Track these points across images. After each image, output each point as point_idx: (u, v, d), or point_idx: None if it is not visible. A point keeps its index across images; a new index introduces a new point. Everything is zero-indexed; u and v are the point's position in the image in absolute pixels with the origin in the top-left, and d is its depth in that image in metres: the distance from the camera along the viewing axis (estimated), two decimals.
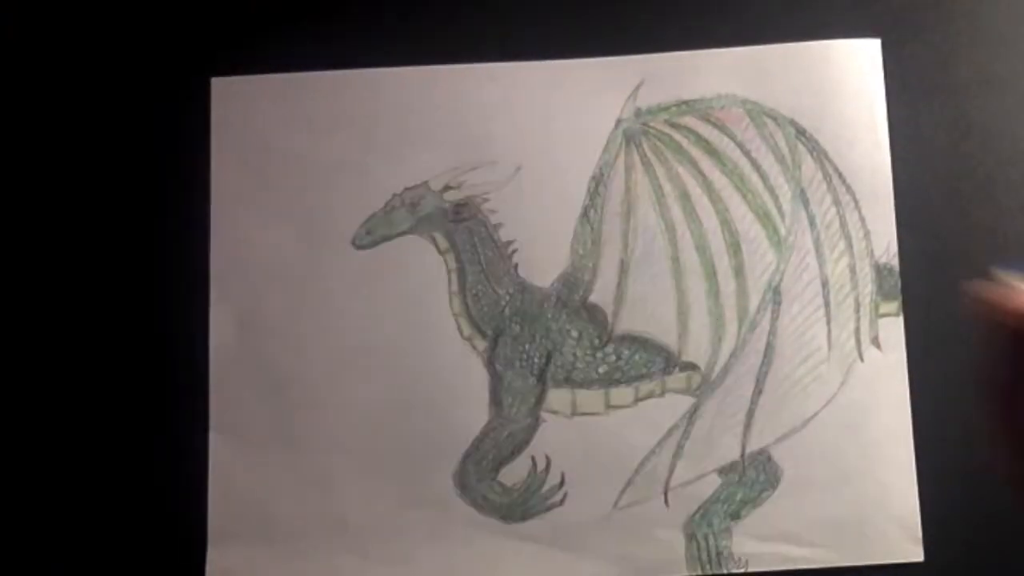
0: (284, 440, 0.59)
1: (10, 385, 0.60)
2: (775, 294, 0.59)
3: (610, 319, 0.59)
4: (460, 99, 0.61)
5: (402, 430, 0.59)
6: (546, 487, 0.58)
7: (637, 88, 0.61)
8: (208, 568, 0.58)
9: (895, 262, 0.59)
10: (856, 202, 0.60)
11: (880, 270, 0.59)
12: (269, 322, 0.60)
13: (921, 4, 0.61)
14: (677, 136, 0.61)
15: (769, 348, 0.59)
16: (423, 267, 0.60)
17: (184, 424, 0.60)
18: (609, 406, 0.59)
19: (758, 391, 0.58)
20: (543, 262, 0.60)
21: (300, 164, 0.61)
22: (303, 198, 0.61)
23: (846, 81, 0.61)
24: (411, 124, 0.61)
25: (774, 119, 0.60)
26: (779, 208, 0.60)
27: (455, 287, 0.60)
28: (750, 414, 0.59)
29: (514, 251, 0.60)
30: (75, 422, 0.60)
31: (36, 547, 0.59)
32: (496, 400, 0.59)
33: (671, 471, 0.58)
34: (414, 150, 0.61)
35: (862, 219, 0.60)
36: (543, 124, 0.61)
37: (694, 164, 0.60)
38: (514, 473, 0.59)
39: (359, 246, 0.61)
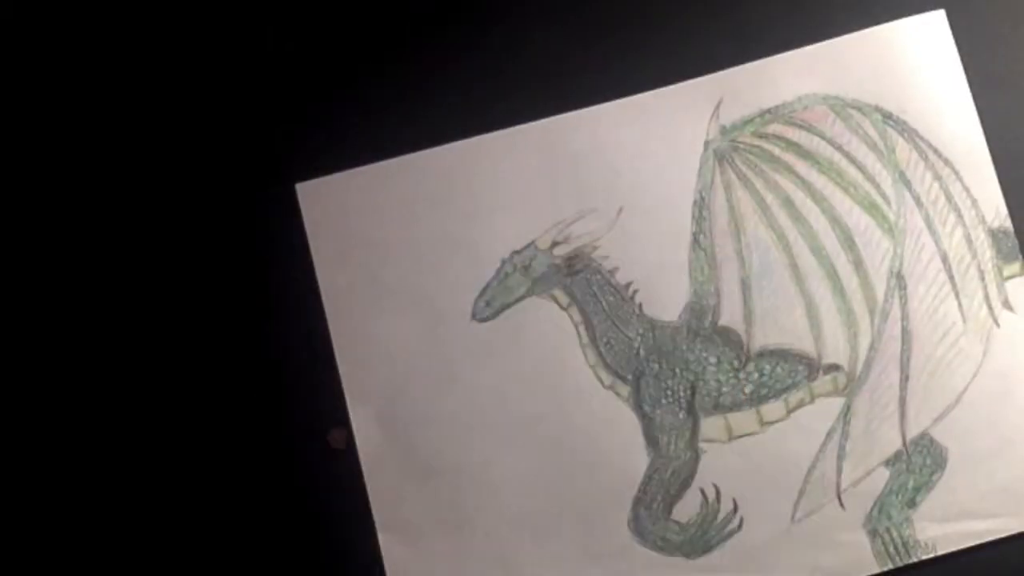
0: (452, 525, 0.59)
1: (170, 516, 0.60)
2: (899, 279, 0.60)
3: (744, 338, 0.60)
4: (549, 154, 0.61)
5: (566, 490, 0.59)
6: (721, 516, 0.59)
7: (718, 107, 0.62)
8: None
9: (1008, 224, 0.60)
10: (956, 173, 0.61)
11: (995, 234, 0.60)
12: (410, 412, 0.60)
13: None
14: (767, 146, 0.61)
15: (905, 333, 0.59)
16: (548, 327, 0.60)
17: (351, 529, 0.59)
18: (764, 423, 0.59)
19: (904, 377, 0.59)
20: (665, 296, 0.60)
21: (404, 250, 0.61)
22: (414, 283, 0.61)
23: (920, 57, 0.61)
24: (505, 188, 0.61)
25: (858, 109, 0.61)
26: (883, 195, 0.60)
27: (585, 339, 0.60)
28: (902, 401, 0.59)
29: (635, 292, 0.60)
30: (245, 547, 0.59)
31: None
32: (652, 441, 0.59)
33: (839, 473, 0.59)
34: (514, 213, 0.61)
35: (966, 188, 0.60)
36: (635, 161, 0.61)
37: (790, 170, 0.61)
38: (687, 509, 0.59)
39: (481, 319, 0.61)
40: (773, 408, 0.59)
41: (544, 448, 0.59)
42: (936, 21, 0.61)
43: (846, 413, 0.59)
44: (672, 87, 0.62)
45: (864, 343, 0.59)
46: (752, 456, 0.59)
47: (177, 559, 0.60)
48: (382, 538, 0.59)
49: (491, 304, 0.61)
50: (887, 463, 0.59)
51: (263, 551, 0.60)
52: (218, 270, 0.62)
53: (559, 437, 0.59)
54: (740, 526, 0.59)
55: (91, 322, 0.61)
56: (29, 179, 0.63)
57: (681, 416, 0.59)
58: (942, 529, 0.58)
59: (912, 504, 0.58)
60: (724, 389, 0.59)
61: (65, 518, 0.60)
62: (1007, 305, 0.59)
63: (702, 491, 0.59)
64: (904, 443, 0.59)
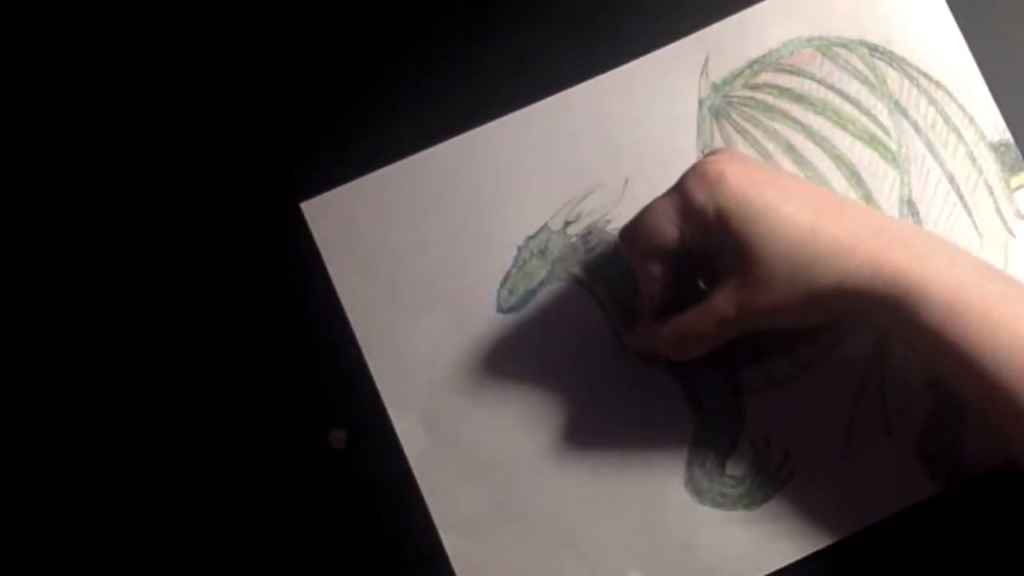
0: (513, 515, 0.59)
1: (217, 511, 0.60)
2: (910, 206, 0.60)
3: None
4: (547, 135, 0.62)
5: (619, 463, 0.60)
6: (774, 463, 0.59)
7: (705, 64, 0.62)
8: None
9: (1008, 136, 0.61)
10: (950, 94, 0.61)
11: (997, 148, 0.61)
12: (452, 412, 0.61)
13: None
14: (760, 96, 0.62)
15: None
16: (574, 308, 0.61)
17: (415, 531, 0.59)
18: (801, 365, 0.60)
19: None
20: None
21: (419, 253, 0.61)
22: (435, 283, 0.61)
23: None
24: (509, 176, 0.62)
25: (844, 46, 0.62)
26: (881, 126, 0.61)
27: (613, 313, 0.60)
28: None
29: None
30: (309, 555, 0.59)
31: None
32: (695, 402, 0.60)
33: (883, 403, 0.60)
34: (522, 199, 0.61)
35: (961, 108, 0.61)
36: (633, 131, 0.62)
37: (787, 116, 0.61)
38: (740, 462, 0.59)
39: (507, 309, 0.61)
40: (809, 349, 0.60)
41: (590, 426, 0.60)
42: None
43: (881, 342, 0.59)
44: (657, 52, 0.62)
45: None
46: (796, 399, 0.59)
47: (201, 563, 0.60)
48: (446, 539, 0.59)
49: (514, 292, 0.61)
50: (930, 384, 0.59)
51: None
52: (229, 294, 0.62)
53: (603, 413, 0.60)
54: (794, 470, 0.59)
55: (110, 341, 0.62)
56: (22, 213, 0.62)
57: (719, 373, 0.59)
58: (994, 442, 0.58)
59: (960, 421, 0.59)
60: (758, 339, 0.59)
61: (82, 523, 0.61)
62: (1020, 215, 0.60)
63: (752, 442, 0.59)
64: None
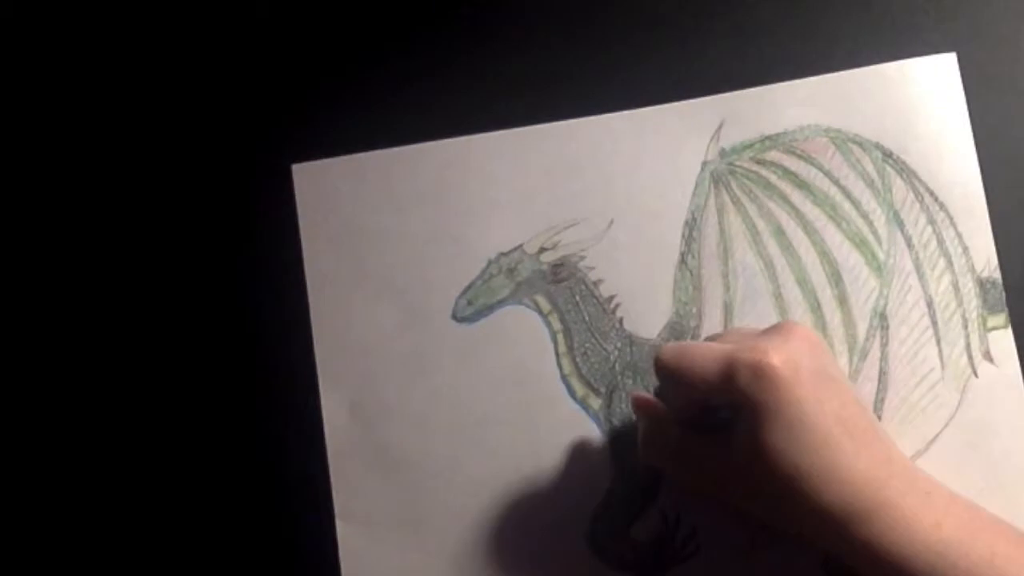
0: (411, 522, 0.60)
1: (129, 494, 0.60)
2: (882, 319, 0.59)
3: None
4: (546, 159, 0.61)
5: (527, 499, 0.59)
6: (678, 539, 0.58)
7: (719, 129, 0.61)
8: None
9: (997, 275, 0.60)
10: (951, 218, 0.60)
11: (983, 284, 0.60)
12: (380, 404, 0.60)
13: (995, 15, 0.61)
14: (764, 172, 0.61)
15: (882, 374, 0.59)
16: (526, 334, 0.60)
17: (310, 514, 0.59)
18: None
19: (877, 418, 0.59)
20: (647, 313, 0.60)
21: (392, 241, 0.61)
22: (399, 275, 0.61)
23: (926, 98, 0.61)
24: (499, 189, 0.61)
25: (859, 144, 0.61)
26: (875, 233, 0.60)
27: (563, 348, 0.60)
28: None
29: (617, 305, 0.60)
30: (198, 530, 0.60)
31: None
32: (617, 457, 0.59)
33: None
34: (505, 215, 0.61)
35: (959, 235, 0.60)
36: (630, 175, 0.61)
37: (785, 198, 0.61)
38: (646, 527, 0.59)
39: (461, 318, 0.61)
40: None
41: (509, 454, 0.60)
42: (946, 64, 0.61)
43: None
44: (675, 104, 0.61)
45: None
46: None
47: (130, 537, 0.60)
48: (340, 526, 0.59)
49: (472, 303, 0.61)
50: None
51: (215, 530, 0.60)
52: (205, 244, 0.62)
53: (525, 445, 0.60)
54: (697, 551, 0.58)
55: (110, 340, 0.62)
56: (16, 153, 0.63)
57: None
58: None
59: None
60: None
61: (83, 523, 0.61)
62: (987, 356, 0.59)
63: (663, 512, 0.59)
64: None
